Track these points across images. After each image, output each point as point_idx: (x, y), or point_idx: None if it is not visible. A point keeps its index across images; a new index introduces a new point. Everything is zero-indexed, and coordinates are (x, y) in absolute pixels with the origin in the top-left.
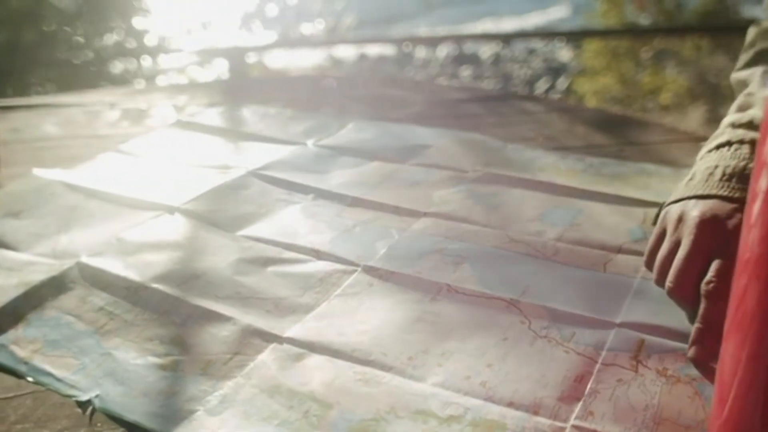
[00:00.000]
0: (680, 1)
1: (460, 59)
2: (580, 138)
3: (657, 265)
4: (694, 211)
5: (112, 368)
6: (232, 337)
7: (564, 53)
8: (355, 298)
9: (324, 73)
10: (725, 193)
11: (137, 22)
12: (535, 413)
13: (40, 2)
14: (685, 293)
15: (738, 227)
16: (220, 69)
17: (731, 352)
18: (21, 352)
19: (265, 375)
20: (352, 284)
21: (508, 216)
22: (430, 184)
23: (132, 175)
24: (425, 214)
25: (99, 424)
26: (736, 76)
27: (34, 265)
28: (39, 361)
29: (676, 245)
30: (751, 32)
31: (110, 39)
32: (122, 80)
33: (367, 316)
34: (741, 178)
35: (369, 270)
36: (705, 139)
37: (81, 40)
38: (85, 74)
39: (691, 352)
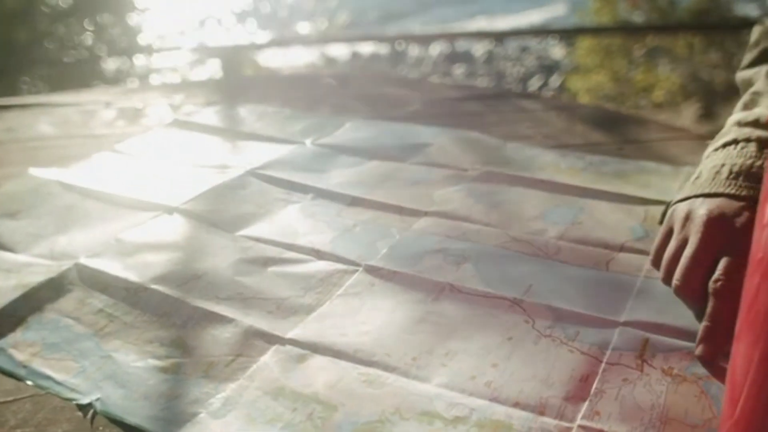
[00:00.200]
0: None
1: (453, 57)
2: (579, 136)
3: (664, 264)
4: (702, 209)
5: (112, 371)
6: (234, 339)
7: (557, 51)
8: (357, 298)
9: (317, 71)
10: (732, 192)
11: (131, 21)
12: (541, 413)
13: (33, 1)
14: (692, 291)
15: (745, 225)
16: (214, 68)
17: (743, 352)
18: (20, 356)
19: (268, 377)
20: (354, 284)
21: (509, 215)
22: (430, 183)
23: (129, 174)
24: (426, 214)
25: (100, 428)
26: (741, 74)
27: (32, 266)
28: (38, 365)
29: (684, 243)
30: (756, 31)
31: (103, 37)
32: (115, 79)
33: (369, 317)
34: (748, 176)
35: (370, 270)
36: (705, 136)
37: (74, 38)
38: (78, 73)
39: (698, 351)
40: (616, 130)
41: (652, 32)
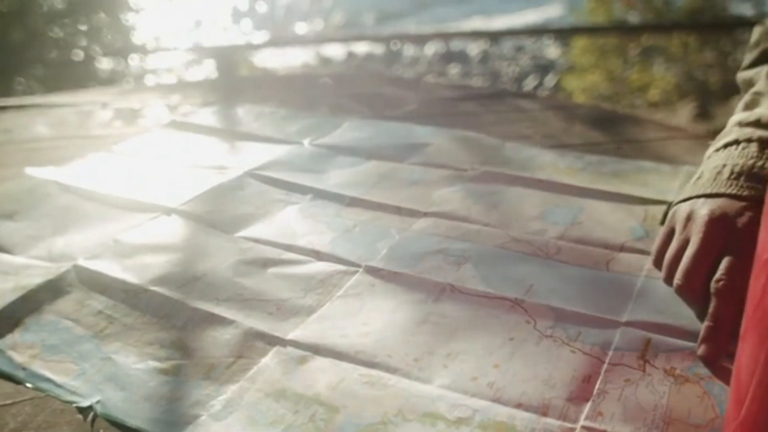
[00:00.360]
0: None
1: (448, 57)
2: (577, 136)
3: (666, 264)
4: (703, 209)
5: (112, 373)
6: (234, 340)
7: (552, 50)
8: (358, 299)
9: (313, 71)
10: (734, 192)
11: (126, 21)
12: (544, 414)
13: (27, 1)
14: (693, 291)
15: (747, 226)
16: (209, 68)
17: (749, 353)
18: (19, 358)
19: (269, 378)
20: (354, 285)
21: (508, 215)
22: (428, 183)
23: (127, 175)
24: (425, 214)
25: (101, 431)
26: (742, 75)
27: (30, 268)
28: (38, 367)
29: (685, 244)
30: (756, 32)
31: (98, 38)
32: (111, 80)
33: (370, 318)
34: (749, 176)
35: (371, 270)
36: (703, 136)
37: (69, 39)
38: (73, 74)
39: (701, 350)
40: (615, 130)
41: (647, 32)
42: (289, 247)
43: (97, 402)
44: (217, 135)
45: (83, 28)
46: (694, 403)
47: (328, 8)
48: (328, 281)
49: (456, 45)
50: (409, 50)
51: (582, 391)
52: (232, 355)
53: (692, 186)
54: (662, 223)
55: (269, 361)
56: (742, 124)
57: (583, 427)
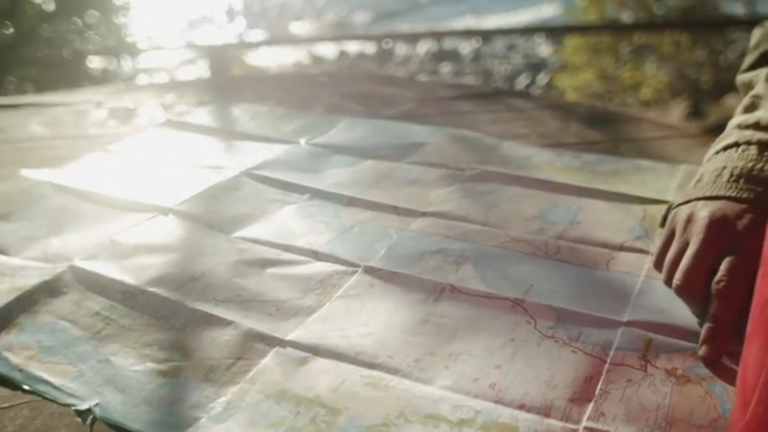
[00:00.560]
0: None
1: (441, 56)
2: (573, 135)
3: (666, 266)
4: (703, 211)
5: (111, 375)
6: (234, 341)
7: (544, 49)
8: (357, 299)
9: (306, 70)
10: (734, 194)
11: (117, 20)
12: (547, 415)
13: (19, 0)
14: (693, 291)
15: (747, 228)
16: (202, 67)
17: (754, 354)
18: (15, 359)
19: (269, 380)
20: (353, 285)
21: (507, 214)
22: (426, 183)
23: (123, 175)
24: (424, 214)
25: None
26: (742, 77)
27: (25, 269)
28: (35, 369)
29: (686, 246)
30: (756, 34)
31: (90, 37)
32: (103, 79)
33: (370, 318)
34: (749, 178)
35: (370, 271)
36: (699, 135)
37: (60, 38)
38: (65, 73)
39: (702, 351)
40: (610, 129)
41: (639, 30)
42: (287, 248)
43: (96, 405)
44: (213, 134)
45: (75, 26)
46: (696, 404)
47: (321, 7)
48: (327, 281)
49: (448, 44)
50: (401, 49)
51: (584, 392)
52: (232, 357)
53: (692, 188)
54: (662, 225)
55: (269, 362)
56: (741, 127)
57: (586, 428)
